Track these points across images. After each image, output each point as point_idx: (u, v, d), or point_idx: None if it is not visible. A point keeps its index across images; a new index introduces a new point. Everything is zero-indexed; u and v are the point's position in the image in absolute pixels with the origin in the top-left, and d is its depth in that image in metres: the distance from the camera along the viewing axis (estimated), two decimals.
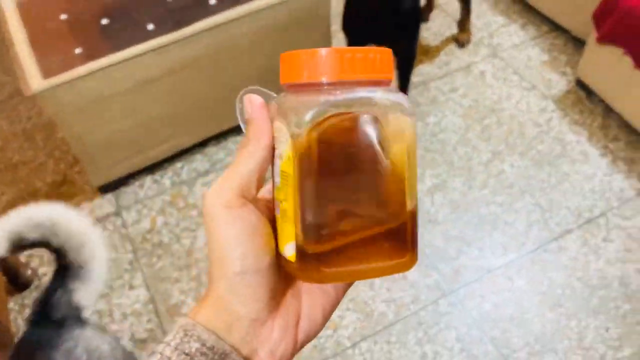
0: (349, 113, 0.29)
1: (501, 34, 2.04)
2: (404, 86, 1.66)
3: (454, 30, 2.05)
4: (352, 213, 0.30)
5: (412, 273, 1.43)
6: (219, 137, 1.76)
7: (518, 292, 1.40)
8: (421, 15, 1.52)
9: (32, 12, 1.58)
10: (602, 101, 1.73)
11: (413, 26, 1.49)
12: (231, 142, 1.76)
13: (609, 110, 1.74)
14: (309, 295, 0.33)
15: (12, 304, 1.45)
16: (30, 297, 1.46)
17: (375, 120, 0.29)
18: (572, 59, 1.91)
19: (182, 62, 1.48)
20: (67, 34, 1.52)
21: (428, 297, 1.40)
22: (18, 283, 1.45)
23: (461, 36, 2.00)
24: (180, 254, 1.51)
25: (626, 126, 1.69)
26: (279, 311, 0.31)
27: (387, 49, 0.31)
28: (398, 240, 0.30)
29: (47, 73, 1.38)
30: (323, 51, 0.29)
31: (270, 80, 1.21)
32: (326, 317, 0.33)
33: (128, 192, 1.66)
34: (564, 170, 1.61)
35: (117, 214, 1.62)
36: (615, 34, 1.54)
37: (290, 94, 0.30)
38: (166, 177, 1.69)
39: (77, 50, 1.46)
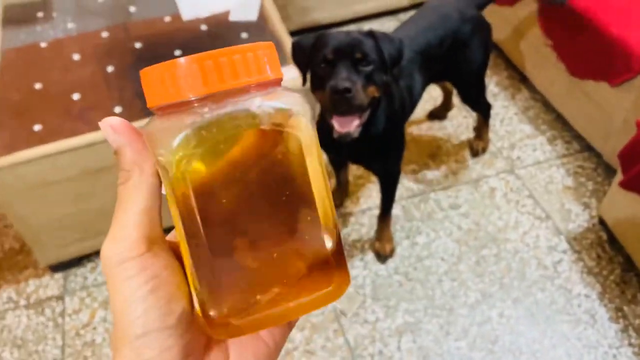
0: (223, 132, 0.23)
1: (524, 146, 1.81)
2: (385, 206, 1.47)
3: (471, 133, 1.84)
4: (255, 251, 0.25)
5: None
6: None
7: None
8: (400, 135, 1.33)
9: (8, 76, 1.53)
10: (623, 249, 1.46)
11: (389, 148, 1.30)
12: None
13: (630, 263, 1.46)
14: (238, 347, 0.28)
15: None
16: None
17: (262, 135, 0.24)
18: (600, 189, 1.65)
19: None
20: (34, 106, 1.45)
21: None
22: None
23: (476, 143, 1.78)
24: None
25: None
26: None
27: (268, 43, 0.25)
28: (320, 268, 0.26)
29: None
30: (182, 60, 0.24)
31: None
32: None
33: (78, 275, 1.55)
34: (563, 332, 1.35)
35: (60, 298, 1.50)
36: None
37: (156, 119, 0.25)
38: None
39: (36, 127, 1.38)
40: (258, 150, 0.24)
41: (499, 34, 2.06)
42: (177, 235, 0.25)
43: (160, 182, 0.26)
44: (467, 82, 1.56)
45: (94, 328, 1.43)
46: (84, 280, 1.54)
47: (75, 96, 1.46)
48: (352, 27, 2.32)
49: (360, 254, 1.55)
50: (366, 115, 1.12)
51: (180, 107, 0.24)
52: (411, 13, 2.36)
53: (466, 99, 1.62)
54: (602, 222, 1.55)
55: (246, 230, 0.25)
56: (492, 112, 1.76)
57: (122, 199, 0.25)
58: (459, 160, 1.78)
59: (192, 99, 0.24)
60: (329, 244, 0.26)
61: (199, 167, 0.23)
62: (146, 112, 1.37)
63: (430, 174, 1.75)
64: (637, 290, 1.42)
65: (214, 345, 0.28)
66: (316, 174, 0.25)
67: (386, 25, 2.33)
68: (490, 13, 1.99)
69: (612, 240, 1.51)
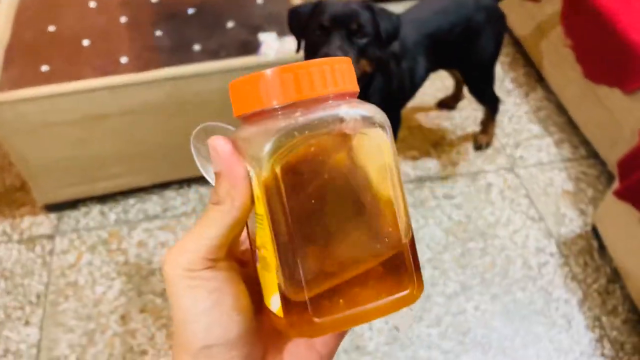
0: (315, 136, 0.25)
1: (530, 146, 1.78)
2: None
3: (477, 127, 1.82)
4: (337, 250, 0.26)
5: None
6: (182, 182, 1.65)
7: None
8: (394, 117, 1.32)
9: (25, 15, 1.55)
10: (612, 260, 1.44)
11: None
12: (193, 192, 1.64)
13: (616, 275, 1.44)
14: (293, 357, 0.29)
15: None
16: None
17: (347, 140, 0.26)
18: (599, 197, 1.63)
19: (141, 105, 1.39)
20: (44, 46, 1.47)
21: None
22: None
23: (481, 137, 1.76)
24: (87, 302, 1.40)
25: (630, 301, 1.39)
26: None
27: (345, 57, 0.27)
28: (397, 271, 0.27)
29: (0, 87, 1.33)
30: (269, 72, 0.26)
31: None
32: None
33: (71, 217, 1.59)
34: (536, 333, 1.35)
35: (51, 237, 1.54)
36: (636, 195, 1.26)
37: (247, 126, 0.27)
38: (113, 212, 1.60)
39: (44, 68, 1.41)
40: (344, 153, 0.26)
41: (522, 29, 2.01)
42: (260, 238, 0.26)
43: (246, 217, 0.27)
44: (476, 72, 1.53)
45: (79, 270, 1.47)
46: (76, 223, 1.58)
47: (85, 42, 1.48)
48: None
49: None
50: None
51: (269, 114, 0.26)
52: None
53: (473, 90, 1.60)
54: (595, 230, 1.53)
55: (330, 230, 0.26)
56: (503, 108, 1.74)
57: (206, 218, 0.26)
58: (461, 152, 1.77)
59: (282, 106, 0.25)
60: (406, 248, 0.27)
61: (290, 167, 0.25)
62: (151, 67, 1.38)
63: (430, 162, 1.74)
64: (619, 303, 1.40)
65: (270, 356, 0.29)
66: (395, 179, 0.27)
67: None
68: (515, 7, 1.95)
69: (602, 249, 1.49)
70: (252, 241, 0.28)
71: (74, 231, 1.56)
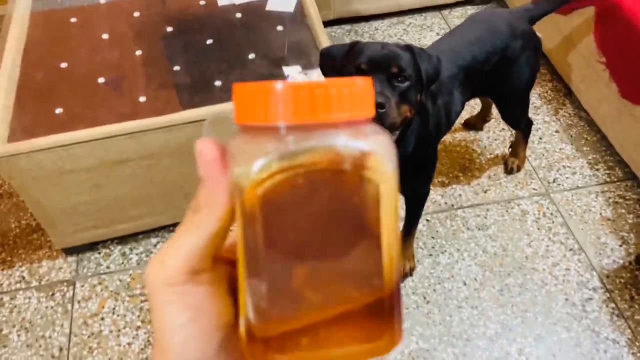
0: (304, 166, 0.23)
1: (563, 168, 1.71)
2: (409, 226, 1.40)
3: (507, 149, 1.74)
4: (311, 290, 0.24)
5: None
6: None
7: None
8: (431, 157, 1.25)
9: (34, 52, 1.49)
10: None
11: (418, 169, 1.23)
12: None
13: None
14: None
15: None
16: None
17: (340, 173, 0.23)
18: None
19: (160, 149, 1.32)
20: (58, 86, 1.41)
21: None
22: None
23: (512, 160, 1.69)
24: (112, 355, 1.35)
25: None
26: None
27: (365, 78, 0.24)
28: (373, 316, 0.24)
29: (12, 135, 1.27)
30: (278, 85, 0.23)
31: None
32: None
33: (91, 260, 1.53)
34: None
35: (71, 283, 1.49)
36: None
37: (241, 136, 0.25)
38: (135, 253, 1.54)
39: (58, 110, 1.34)
40: (334, 188, 0.24)
41: (548, 42, 1.93)
42: (238, 259, 0.25)
43: (228, 226, 0.25)
44: (511, 101, 1.46)
45: (102, 319, 1.41)
46: (97, 266, 1.52)
47: (100, 80, 1.42)
48: (394, 21, 2.22)
49: None
50: (396, 135, 1.04)
51: (267, 130, 0.24)
52: (457, 10, 2.26)
53: (507, 117, 1.52)
54: (639, 260, 1.46)
55: (307, 264, 0.24)
56: (532, 127, 1.66)
57: (184, 227, 0.25)
58: (491, 177, 1.70)
59: (281, 126, 0.23)
60: (389, 293, 0.25)
61: (273, 193, 0.23)
62: (170, 107, 1.32)
63: (460, 189, 1.67)
64: None
65: None
66: (388, 220, 0.25)
67: (429, 21, 2.21)
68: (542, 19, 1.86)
69: None
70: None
71: (94, 275, 1.50)
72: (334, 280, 0.24)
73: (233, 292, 0.26)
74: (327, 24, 2.15)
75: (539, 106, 1.89)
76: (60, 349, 1.36)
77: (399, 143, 1.09)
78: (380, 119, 0.95)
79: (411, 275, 1.47)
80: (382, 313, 0.25)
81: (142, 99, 1.36)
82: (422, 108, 1.13)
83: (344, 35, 2.17)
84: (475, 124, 1.82)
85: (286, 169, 0.23)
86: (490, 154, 1.76)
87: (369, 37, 2.15)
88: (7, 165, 1.25)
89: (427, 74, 1.02)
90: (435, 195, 1.65)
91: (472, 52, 1.26)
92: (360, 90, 0.25)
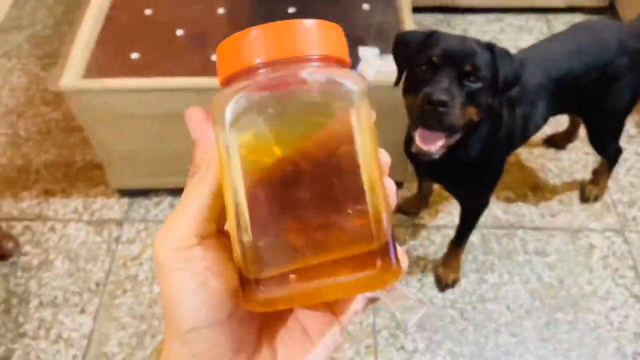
0: (275, 98, 0.23)
1: None
2: (461, 235, 1.31)
3: (587, 174, 1.60)
4: (296, 224, 0.24)
5: None
6: None
7: None
8: (496, 167, 1.16)
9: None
10: None
11: (479, 177, 1.14)
12: None
13: None
14: (287, 345, 0.28)
15: None
16: (4, 267, 1.45)
17: (313, 105, 0.24)
18: None
19: None
20: (138, 32, 1.43)
21: None
22: None
23: (590, 188, 1.55)
24: (143, 300, 1.38)
25: None
26: None
27: (335, 24, 0.26)
28: (364, 251, 0.24)
29: (88, 73, 1.30)
30: (242, 32, 0.24)
31: None
32: None
33: (142, 206, 1.57)
34: None
35: (120, 224, 1.53)
36: None
37: (221, 90, 0.25)
38: None
39: (134, 55, 1.36)
40: (307, 118, 0.24)
41: None
42: (226, 204, 0.25)
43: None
44: (603, 124, 1.32)
45: (141, 264, 1.44)
46: (146, 212, 1.55)
47: (179, 32, 1.42)
48: (492, 17, 2.09)
49: (420, 273, 1.42)
50: (455, 137, 0.96)
51: (239, 77, 0.24)
52: (563, 17, 2.08)
53: (596, 141, 1.39)
54: None
55: (288, 198, 0.24)
56: (621, 157, 1.51)
57: (186, 192, 0.26)
58: (564, 202, 1.57)
59: (244, 69, 0.24)
60: (375, 226, 0.24)
61: (247, 131, 0.24)
62: None
63: (526, 208, 1.55)
64: None
65: (264, 342, 0.27)
66: (367, 158, 0.24)
67: (531, 24, 2.06)
68: None
69: None
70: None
71: (142, 221, 1.53)
72: (320, 218, 0.24)
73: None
74: (419, 10, 2.06)
75: (634, 135, 1.72)
76: (97, 284, 1.41)
77: (461, 146, 1.01)
78: (439, 118, 0.88)
79: (453, 287, 1.39)
80: (371, 247, 0.24)
81: (214, 57, 1.35)
82: (496, 114, 1.04)
83: (435, 24, 2.06)
84: (558, 142, 1.69)
85: (256, 102, 0.23)
86: (568, 177, 1.63)
87: (460, 31, 2.04)
88: (78, 100, 1.28)
89: (505, 78, 0.93)
90: (497, 209, 1.55)
91: (569, 63, 1.15)
92: (334, 33, 0.26)
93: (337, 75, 0.24)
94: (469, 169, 1.09)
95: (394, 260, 0.24)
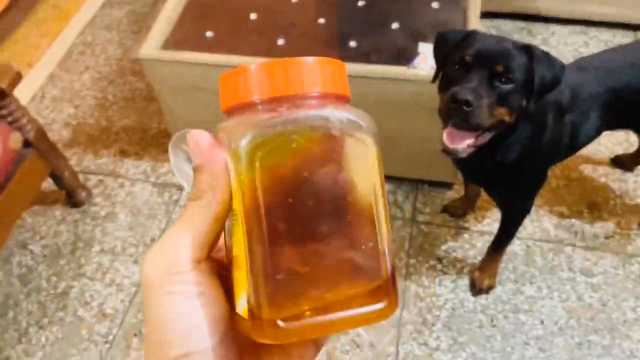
0: (298, 132, 0.24)
1: None
2: (499, 242, 1.30)
3: None
4: (312, 255, 0.25)
5: None
6: None
7: None
8: (537, 172, 1.13)
9: None
10: None
11: (518, 181, 1.12)
12: None
13: None
14: None
15: (59, 213, 1.62)
16: (76, 214, 1.61)
17: (332, 142, 0.25)
18: None
19: None
20: (215, 11, 1.53)
21: None
22: (72, 200, 1.61)
23: None
24: None
25: None
26: None
27: (337, 60, 0.27)
28: (374, 283, 0.26)
29: (165, 45, 1.43)
30: (253, 65, 0.26)
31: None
32: None
33: None
34: None
35: (180, 189, 1.65)
36: None
37: (231, 119, 0.26)
38: None
39: (208, 34, 1.47)
40: (326, 154, 0.25)
41: None
42: (234, 237, 0.25)
43: (228, 209, 0.26)
44: None
45: None
46: None
47: (253, 15, 1.51)
48: (576, 29, 2.01)
49: (454, 274, 1.42)
50: (485, 137, 0.95)
51: (252, 108, 0.25)
52: None
53: None
54: None
55: (306, 232, 0.25)
56: None
57: (186, 215, 0.25)
58: (621, 225, 1.49)
59: (264, 100, 0.25)
60: (384, 261, 0.26)
61: (268, 161, 0.24)
62: (301, 55, 1.37)
63: (579, 226, 1.50)
64: None
65: None
66: (377, 190, 0.26)
67: (617, 39, 1.96)
68: None
69: None
70: (226, 240, 0.27)
71: None
72: (333, 249, 0.25)
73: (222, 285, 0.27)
74: (500, 16, 2.03)
75: None
76: (152, 239, 1.54)
77: (499, 147, 1.01)
78: (464, 117, 0.88)
79: (487, 293, 1.37)
80: (381, 280, 0.26)
81: (280, 41, 1.43)
82: (539, 118, 1.02)
83: (515, 32, 2.02)
84: (627, 163, 1.60)
85: (280, 134, 0.24)
86: (631, 200, 1.54)
87: (541, 41, 1.98)
88: (154, 69, 1.41)
89: (543, 81, 0.92)
90: (548, 223, 1.50)
91: (630, 75, 1.10)
92: (338, 69, 0.27)
93: (354, 115, 0.26)
94: (507, 172, 1.08)
95: (395, 294, 0.26)
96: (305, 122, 0.25)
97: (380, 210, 0.26)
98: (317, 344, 0.29)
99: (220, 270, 0.27)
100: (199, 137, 0.26)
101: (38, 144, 1.37)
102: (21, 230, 1.58)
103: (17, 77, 1.26)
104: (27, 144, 1.35)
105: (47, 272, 1.49)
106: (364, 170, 0.26)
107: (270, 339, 0.24)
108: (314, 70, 0.26)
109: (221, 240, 0.27)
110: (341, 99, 0.27)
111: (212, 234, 0.25)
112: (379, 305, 0.25)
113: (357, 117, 0.26)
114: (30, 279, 1.48)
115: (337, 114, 0.25)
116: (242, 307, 0.25)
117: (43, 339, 1.37)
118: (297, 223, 0.24)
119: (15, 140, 1.30)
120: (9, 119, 1.30)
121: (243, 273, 0.25)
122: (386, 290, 0.26)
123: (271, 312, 0.24)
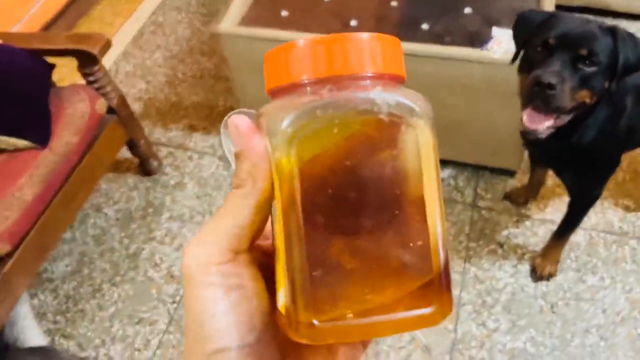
0: (340, 117, 0.22)
1: None
2: (565, 228, 1.29)
3: None
4: (354, 250, 0.23)
5: None
6: None
7: None
8: (611, 157, 1.13)
9: None
10: None
11: (591, 165, 1.11)
12: None
13: None
14: None
15: (131, 181, 1.70)
16: (147, 182, 1.69)
17: (379, 127, 0.22)
18: None
19: None
20: None
21: None
22: (145, 169, 1.69)
23: None
24: None
25: None
26: None
27: (391, 36, 0.24)
28: (422, 284, 0.23)
29: (242, 21, 1.48)
30: (301, 42, 0.23)
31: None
32: None
33: None
34: None
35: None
36: None
37: (273, 101, 0.25)
38: None
39: (283, 13, 1.52)
40: (372, 140, 0.23)
41: None
42: (275, 226, 0.24)
43: (270, 199, 0.24)
44: None
45: None
46: None
47: None
48: None
49: (516, 260, 1.42)
50: (564, 119, 0.96)
51: (296, 89, 0.24)
52: None
53: None
54: None
55: (348, 226, 0.23)
56: None
57: (227, 204, 0.24)
58: None
59: (310, 81, 0.23)
60: (435, 260, 0.23)
61: (309, 148, 0.22)
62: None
63: None
64: None
65: None
66: (430, 181, 0.23)
67: None
68: None
69: None
70: (272, 229, 0.25)
71: None
72: (378, 245, 0.23)
73: (265, 279, 0.25)
74: (567, 9, 2.00)
75: None
76: (218, 209, 1.60)
77: (575, 130, 1.01)
78: (546, 100, 0.89)
79: (548, 280, 1.37)
80: (431, 281, 0.23)
81: (353, 22, 1.46)
82: (618, 101, 1.02)
83: None
84: None
85: (320, 119, 0.22)
86: None
87: None
88: (230, 44, 1.47)
89: (627, 62, 0.91)
90: (613, 215, 1.49)
91: None
92: (393, 48, 0.24)
93: (405, 97, 0.23)
94: (582, 155, 1.08)
95: (448, 298, 0.24)
96: (348, 105, 0.22)
97: (433, 204, 0.23)
98: (364, 343, 0.27)
99: (267, 261, 0.26)
100: (239, 122, 0.24)
101: (120, 111, 1.45)
102: (96, 195, 1.67)
103: (107, 45, 1.34)
104: (110, 110, 1.43)
105: (120, 235, 1.57)
106: (414, 159, 0.23)
107: (306, 339, 0.23)
108: (362, 48, 0.23)
109: (269, 228, 0.26)
110: (394, 80, 0.24)
111: (254, 225, 0.24)
112: (427, 310, 0.23)
113: (409, 99, 0.23)
114: (103, 239, 1.57)
115: (385, 96, 0.23)
116: (280, 302, 0.24)
117: (115, 295, 1.45)
118: (337, 216, 0.23)
119: (101, 105, 1.38)
120: (96, 85, 1.38)
121: (281, 266, 0.23)
122: (436, 293, 0.23)
123: (306, 310, 0.22)
